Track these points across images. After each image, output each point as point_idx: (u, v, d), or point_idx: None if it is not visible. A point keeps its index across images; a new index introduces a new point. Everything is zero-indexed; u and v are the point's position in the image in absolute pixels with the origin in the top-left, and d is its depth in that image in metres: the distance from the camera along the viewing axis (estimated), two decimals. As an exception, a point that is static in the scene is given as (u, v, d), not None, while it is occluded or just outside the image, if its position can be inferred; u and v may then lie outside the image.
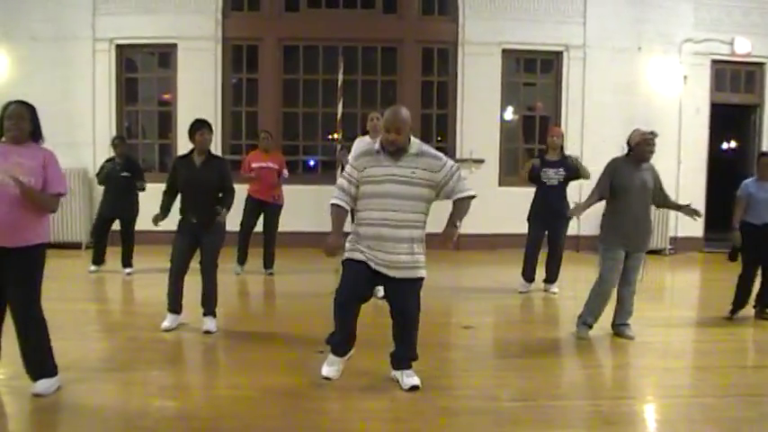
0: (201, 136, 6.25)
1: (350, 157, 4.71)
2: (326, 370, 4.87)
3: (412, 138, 4.63)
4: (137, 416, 4.37)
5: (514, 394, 4.96)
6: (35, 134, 4.82)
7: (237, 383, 5.05)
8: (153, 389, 4.93)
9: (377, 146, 4.61)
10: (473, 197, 4.76)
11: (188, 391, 5.00)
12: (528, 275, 8.49)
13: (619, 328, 6.41)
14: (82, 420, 4.31)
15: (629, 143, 6.26)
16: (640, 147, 6.12)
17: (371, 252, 4.58)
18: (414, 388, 4.75)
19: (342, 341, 4.85)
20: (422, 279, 4.74)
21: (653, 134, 6.18)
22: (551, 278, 8.49)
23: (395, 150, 4.53)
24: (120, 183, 8.98)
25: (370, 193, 4.57)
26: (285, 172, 9.39)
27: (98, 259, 9.18)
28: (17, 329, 4.56)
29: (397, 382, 4.85)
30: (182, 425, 4.27)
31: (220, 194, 6.38)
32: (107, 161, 9.29)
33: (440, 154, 4.71)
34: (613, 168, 6.25)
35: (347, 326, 4.78)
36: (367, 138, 7.42)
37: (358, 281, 4.64)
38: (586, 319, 6.35)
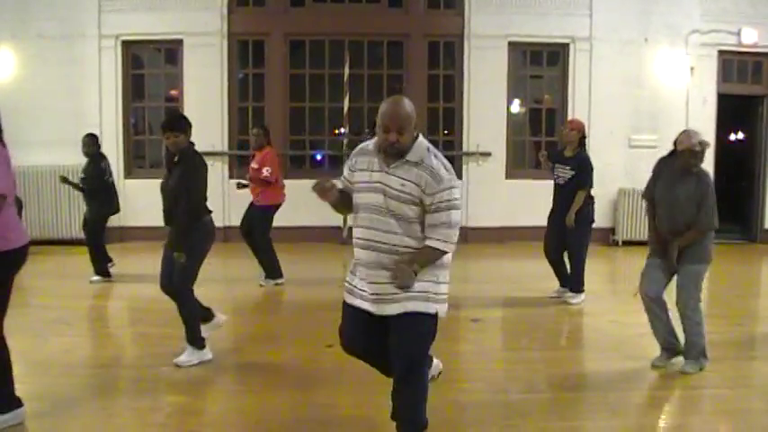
0: (168, 140, 5.34)
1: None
2: None
3: (419, 140, 3.59)
4: (147, 411, 4.39)
5: (523, 386, 4.97)
6: None
7: (247, 378, 5.08)
8: (162, 384, 4.96)
9: (371, 145, 3.67)
10: (444, 252, 3.59)
11: (198, 387, 5.01)
12: (558, 279, 7.81)
13: (683, 359, 5.33)
14: (93, 416, 4.34)
15: (675, 143, 5.29)
16: (684, 155, 5.16)
17: (357, 282, 3.71)
18: None
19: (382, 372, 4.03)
20: (429, 316, 3.60)
21: (702, 145, 5.17)
22: (565, 283, 7.71)
23: (393, 153, 3.54)
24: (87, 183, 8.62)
25: (358, 204, 3.68)
26: (264, 170, 8.26)
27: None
28: None
29: None
30: (192, 419, 4.30)
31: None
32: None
33: (446, 175, 3.54)
34: (657, 171, 5.46)
35: (376, 365, 4.00)
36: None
37: (350, 328, 3.83)
38: (658, 340, 5.45)
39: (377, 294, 3.59)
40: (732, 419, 4.40)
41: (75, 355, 5.47)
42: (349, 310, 3.76)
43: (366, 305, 3.64)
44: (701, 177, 5.20)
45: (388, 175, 3.53)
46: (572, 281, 7.63)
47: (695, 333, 5.22)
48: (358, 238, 3.66)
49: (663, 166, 5.43)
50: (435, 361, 4.28)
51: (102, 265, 8.65)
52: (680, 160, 5.19)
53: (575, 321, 7.02)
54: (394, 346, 3.60)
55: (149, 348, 5.73)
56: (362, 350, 3.85)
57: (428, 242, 3.53)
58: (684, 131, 5.30)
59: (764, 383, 5.10)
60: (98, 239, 8.69)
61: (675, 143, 5.25)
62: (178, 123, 5.42)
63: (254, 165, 8.43)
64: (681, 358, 5.29)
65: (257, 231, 8.43)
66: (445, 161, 3.63)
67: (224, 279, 8.69)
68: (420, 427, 3.74)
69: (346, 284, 3.79)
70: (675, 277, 5.30)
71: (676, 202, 5.22)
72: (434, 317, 3.63)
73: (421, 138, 3.61)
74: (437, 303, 3.63)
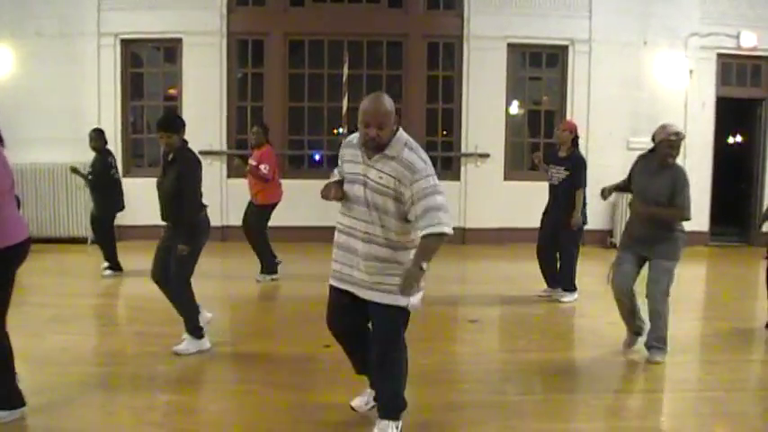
0: (161, 139, 5.53)
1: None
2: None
3: (399, 133, 3.78)
4: (145, 409, 4.39)
5: (520, 388, 4.97)
6: None
7: (244, 377, 5.07)
8: (160, 383, 4.95)
9: (357, 138, 3.88)
10: (443, 235, 3.62)
11: (195, 385, 5.02)
12: (546, 279, 7.91)
13: (647, 347, 5.64)
14: (90, 414, 4.33)
15: (653, 139, 5.53)
16: (661, 146, 5.40)
17: (339, 266, 3.96)
18: None
19: (354, 362, 4.28)
20: (398, 309, 3.81)
21: (678, 135, 5.38)
22: (555, 282, 7.82)
23: (372, 147, 3.73)
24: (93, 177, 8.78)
25: (345, 194, 3.89)
26: (261, 167, 8.38)
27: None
28: None
29: None
30: (189, 418, 4.29)
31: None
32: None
33: (421, 165, 3.68)
34: (632, 169, 5.72)
35: (351, 355, 4.25)
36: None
37: (336, 310, 4.07)
38: (628, 329, 5.85)
39: (362, 281, 3.83)
40: (728, 422, 4.40)
41: (72, 353, 5.46)
42: (332, 293, 4.05)
43: (348, 287, 3.91)
44: (677, 171, 5.43)
45: (369, 168, 3.75)
46: (564, 280, 7.74)
47: (659, 325, 5.52)
48: (340, 224, 3.93)
49: (642, 161, 5.67)
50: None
51: (114, 258, 8.87)
52: (658, 153, 5.44)
53: (572, 323, 7.02)
54: (374, 329, 3.91)
55: (146, 347, 5.72)
56: (345, 331, 4.09)
57: (422, 233, 3.64)
58: (660, 125, 5.53)
59: (761, 386, 5.11)
60: (108, 237, 8.86)
61: (653, 138, 5.51)
62: (172, 124, 5.57)
63: (252, 161, 8.54)
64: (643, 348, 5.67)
65: (254, 229, 8.58)
66: (422, 154, 3.77)
67: (222, 277, 8.69)
68: (396, 410, 3.98)
69: (332, 271, 4.00)
70: (647, 271, 5.57)
71: (655, 194, 5.44)
72: (404, 309, 3.83)
73: (400, 132, 3.79)
74: (409, 297, 3.78)
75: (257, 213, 8.62)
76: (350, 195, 3.83)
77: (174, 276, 5.50)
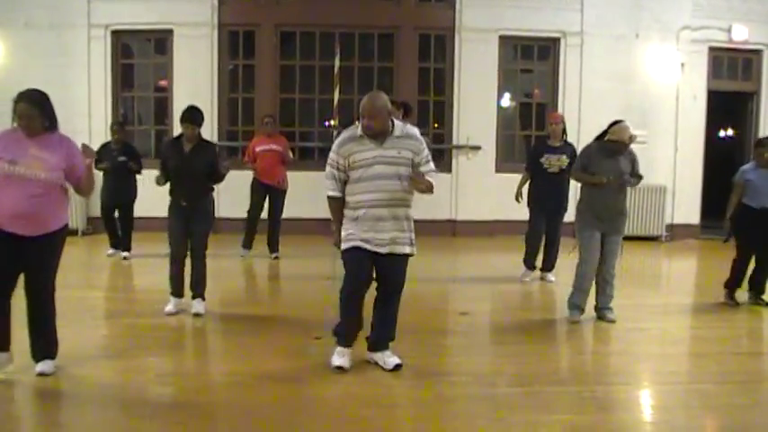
0: (188, 130, 6.35)
1: (334, 145, 4.86)
2: (339, 360, 4.87)
3: (396, 121, 4.81)
4: (135, 402, 4.38)
5: (511, 380, 4.98)
6: (51, 123, 4.73)
7: (235, 370, 5.05)
8: (151, 375, 4.93)
9: (359, 130, 4.73)
10: (432, 189, 4.77)
11: (186, 378, 5.00)
12: (530, 263, 8.35)
13: (601, 312, 6.47)
14: (80, 407, 4.32)
15: (607, 132, 6.34)
16: (617, 145, 6.24)
17: (369, 234, 4.71)
18: (397, 366, 4.89)
19: (351, 331, 4.93)
20: (410, 256, 4.90)
21: (632, 139, 6.34)
22: (548, 266, 8.36)
23: (378, 133, 4.67)
24: (118, 167, 9.00)
25: (361, 177, 4.71)
26: (290, 154, 9.55)
27: (116, 243, 9.44)
28: (32, 312, 4.62)
29: (376, 363, 4.97)
30: (179, 411, 4.28)
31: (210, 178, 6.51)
32: (102, 147, 9.21)
33: (421, 138, 4.88)
34: (587, 158, 6.41)
35: (356, 314, 4.89)
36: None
37: (362, 267, 4.77)
38: (575, 302, 6.47)
39: (392, 239, 4.74)
40: (717, 415, 4.42)
41: (63, 345, 5.42)
42: (356, 253, 4.73)
43: (378, 248, 4.71)
44: (630, 150, 6.40)
45: (386, 149, 4.68)
46: (553, 261, 8.36)
47: (612, 289, 6.46)
48: (369, 201, 4.68)
49: (595, 151, 6.38)
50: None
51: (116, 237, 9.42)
52: (613, 146, 6.26)
53: (564, 315, 7.03)
54: (391, 278, 4.85)
55: (136, 339, 5.70)
56: (366, 284, 4.82)
57: (428, 178, 4.73)
58: (619, 125, 6.29)
59: (749, 379, 5.12)
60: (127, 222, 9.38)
61: (608, 130, 6.32)
62: (200, 117, 6.42)
63: (275, 147, 9.27)
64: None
65: (280, 212, 9.38)
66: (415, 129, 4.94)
67: (216, 270, 8.67)
68: (393, 338, 5.05)
69: (347, 234, 4.77)
70: (605, 246, 6.35)
71: (620, 172, 6.25)
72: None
73: (397, 122, 4.83)
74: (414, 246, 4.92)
75: (282, 198, 9.39)
76: (375, 175, 4.65)
77: (201, 247, 6.41)
